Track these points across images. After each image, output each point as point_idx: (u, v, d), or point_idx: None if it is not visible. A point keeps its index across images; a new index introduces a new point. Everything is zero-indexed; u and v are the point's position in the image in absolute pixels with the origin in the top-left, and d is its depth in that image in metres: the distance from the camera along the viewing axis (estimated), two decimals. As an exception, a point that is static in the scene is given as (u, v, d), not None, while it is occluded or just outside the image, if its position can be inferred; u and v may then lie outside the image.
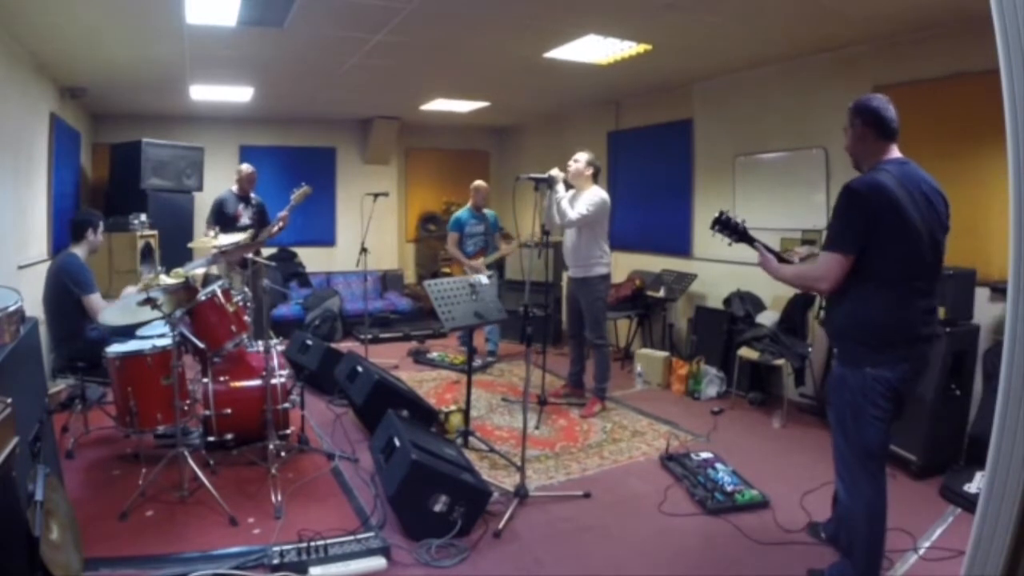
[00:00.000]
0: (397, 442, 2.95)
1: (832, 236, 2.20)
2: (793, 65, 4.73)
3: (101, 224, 3.88)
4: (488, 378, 5.43)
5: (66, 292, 3.54)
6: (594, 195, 4.32)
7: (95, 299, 3.59)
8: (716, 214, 2.54)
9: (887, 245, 2.11)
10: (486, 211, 5.82)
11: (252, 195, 5.57)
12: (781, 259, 2.47)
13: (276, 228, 5.13)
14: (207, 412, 3.36)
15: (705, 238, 5.66)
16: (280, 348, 3.90)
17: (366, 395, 3.84)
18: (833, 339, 2.40)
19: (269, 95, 6.07)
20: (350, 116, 7.79)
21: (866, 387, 2.20)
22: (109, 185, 6.38)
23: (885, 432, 2.23)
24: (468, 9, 3.60)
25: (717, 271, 5.44)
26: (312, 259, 7.70)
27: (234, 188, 5.51)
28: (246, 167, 5.55)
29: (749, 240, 2.52)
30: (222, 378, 3.47)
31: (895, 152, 2.24)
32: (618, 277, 5.67)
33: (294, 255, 7.57)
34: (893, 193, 2.10)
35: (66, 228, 3.99)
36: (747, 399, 4.75)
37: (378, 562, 2.53)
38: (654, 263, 6.04)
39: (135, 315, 3.14)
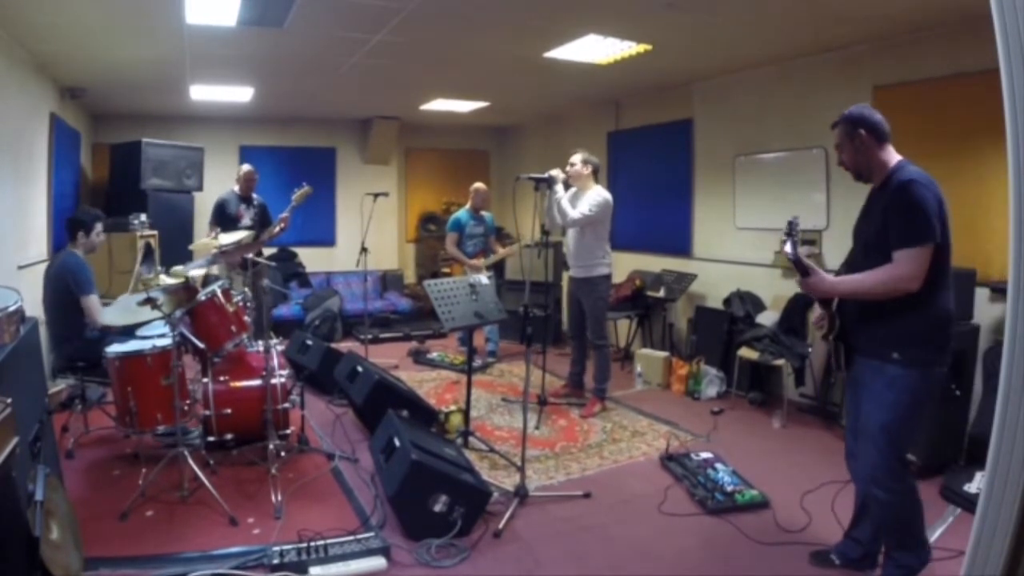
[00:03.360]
0: (397, 442, 2.95)
1: (910, 230, 2.09)
2: (793, 65, 4.73)
3: (98, 225, 3.78)
4: (488, 378, 5.43)
5: (67, 291, 3.53)
6: (597, 195, 4.32)
7: (93, 300, 3.56)
8: (791, 219, 2.32)
9: (948, 237, 2.11)
10: (484, 213, 5.82)
11: (254, 195, 5.57)
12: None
13: (277, 229, 5.13)
14: (207, 412, 3.36)
15: (705, 238, 5.66)
16: (280, 348, 3.90)
17: (366, 395, 3.84)
18: (890, 345, 2.21)
19: (269, 95, 6.07)
20: (350, 116, 7.79)
21: (931, 388, 2.22)
22: (109, 185, 6.38)
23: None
24: (468, 9, 3.60)
25: (717, 271, 5.44)
26: (312, 259, 7.69)
27: (235, 188, 5.51)
28: (246, 167, 5.55)
29: (798, 258, 2.30)
30: (222, 378, 3.48)
31: (896, 154, 2.27)
32: (618, 277, 5.67)
33: (294, 255, 7.57)
34: (939, 187, 2.14)
35: (64, 228, 3.96)
36: (747, 399, 4.75)
37: (378, 562, 2.53)
38: (654, 263, 6.04)
39: (135, 315, 3.15)
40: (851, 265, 2.44)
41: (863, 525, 2.53)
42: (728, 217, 5.37)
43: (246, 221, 5.40)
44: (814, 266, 2.32)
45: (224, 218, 5.35)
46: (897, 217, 2.13)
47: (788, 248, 2.28)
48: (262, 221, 5.49)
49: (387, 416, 3.29)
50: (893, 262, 2.13)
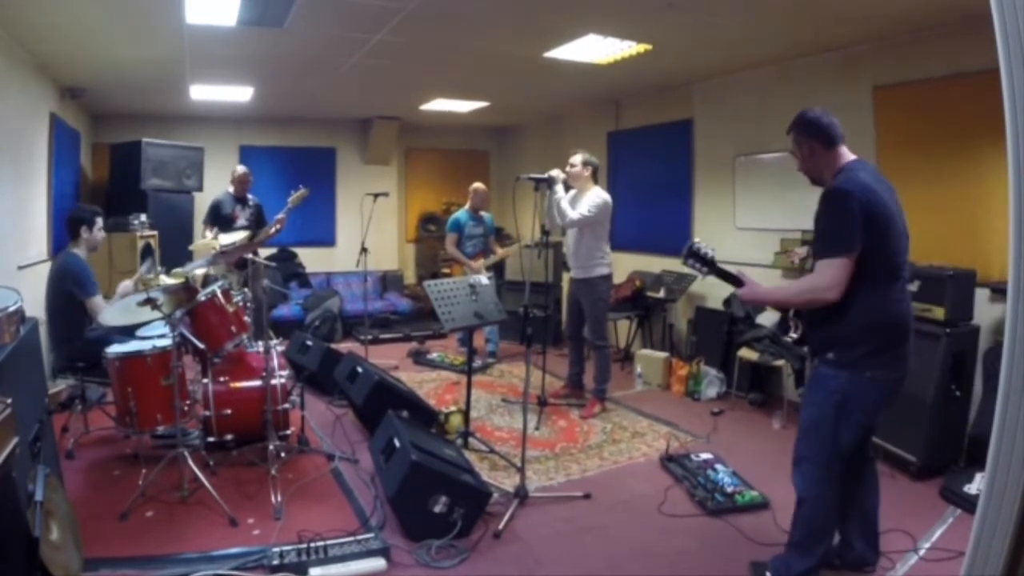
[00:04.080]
0: (397, 443, 2.95)
1: (830, 240, 2.14)
2: (793, 65, 4.73)
3: (98, 220, 3.76)
4: (488, 379, 5.43)
5: (67, 293, 3.53)
6: (596, 196, 4.32)
7: (98, 301, 3.56)
8: (688, 244, 2.44)
9: (880, 242, 2.11)
10: (483, 214, 5.82)
11: (249, 196, 5.58)
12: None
13: (273, 230, 5.13)
14: (207, 412, 3.36)
15: (705, 238, 5.55)
16: (280, 349, 3.90)
17: (366, 396, 3.84)
18: (825, 346, 2.27)
19: (269, 95, 6.07)
20: (350, 116, 7.79)
21: (862, 391, 2.19)
22: (109, 185, 6.38)
23: (860, 435, 2.26)
24: (468, 9, 3.59)
25: (717, 271, 5.43)
26: (312, 259, 7.69)
27: (231, 190, 5.52)
28: (240, 169, 5.56)
29: (721, 273, 2.41)
30: (222, 378, 3.47)
31: (849, 155, 2.26)
32: (618, 277, 5.66)
33: (294, 255, 7.57)
34: (875, 189, 2.12)
35: (65, 227, 3.95)
36: (747, 400, 4.75)
37: (378, 563, 2.53)
38: (654, 263, 6.04)
39: (135, 315, 3.14)
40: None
41: (851, 525, 2.54)
42: (728, 217, 5.36)
43: (241, 222, 5.41)
44: (745, 276, 2.40)
45: (219, 219, 5.36)
46: (819, 226, 2.17)
47: (701, 268, 2.39)
48: (258, 221, 5.49)
49: (387, 417, 3.29)
50: (814, 271, 2.17)
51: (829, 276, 2.11)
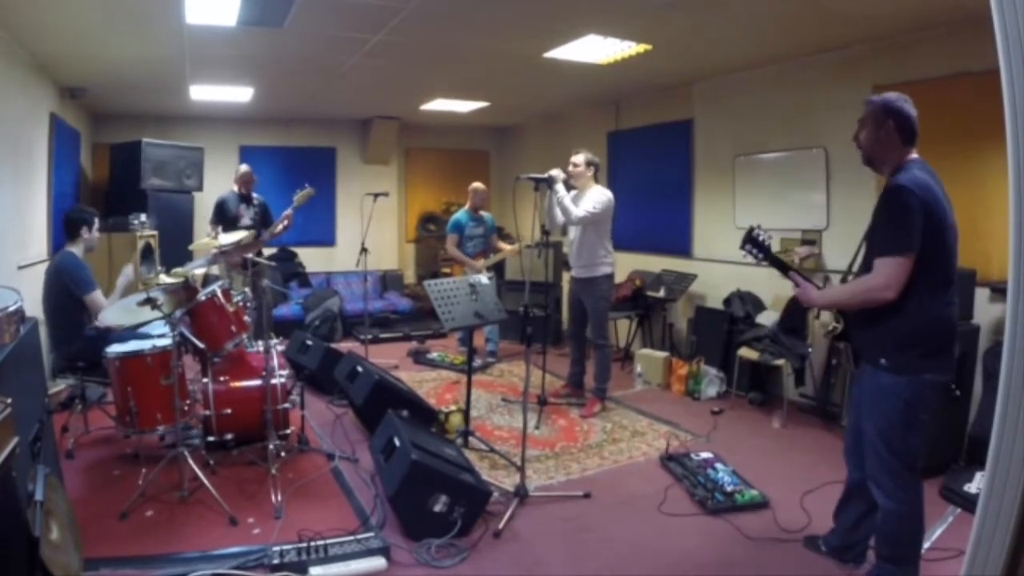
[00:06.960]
0: (397, 442, 2.95)
1: (890, 239, 2.10)
2: (793, 65, 4.73)
3: (96, 221, 3.78)
4: (488, 378, 5.43)
5: (65, 292, 3.52)
6: (599, 194, 4.33)
7: (96, 297, 3.56)
8: (747, 228, 2.43)
9: (938, 246, 2.08)
10: (483, 213, 5.82)
11: (254, 195, 5.58)
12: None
13: (280, 228, 5.14)
14: (207, 412, 3.36)
15: (705, 238, 5.66)
16: (280, 348, 3.90)
17: (366, 395, 3.84)
18: (877, 350, 2.23)
19: (269, 95, 6.07)
20: (350, 116, 7.79)
21: (923, 394, 2.17)
22: (109, 185, 6.38)
23: (924, 435, 2.23)
24: (468, 9, 3.60)
25: (717, 271, 5.44)
26: (312, 259, 7.69)
27: (235, 188, 5.52)
28: (243, 168, 5.56)
29: (779, 265, 2.42)
30: (222, 378, 3.48)
31: (914, 154, 2.23)
32: (618, 277, 5.65)
33: (294, 255, 7.57)
34: (937, 193, 2.10)
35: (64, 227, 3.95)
36: (747, 399, 4.75)
37: (378, 562, 2.53)
38: (654, 263, 6.04)
39: (135, 315, 3.14)
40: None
41: (845, 514, 2.54)
42: (728, 217, 5.37)
43: (246, 221, 5.41)
44: (800, 277, 2.39)
45: (224, 217, 5.36)
46: (879, 224, 2.15)
47: (758, 254, 2.41)
48: (263, 220, 5.49)
49: (387, 416, 3.29)
50: (872, 271, 2.14)
51: (885, 275, 2.08)
